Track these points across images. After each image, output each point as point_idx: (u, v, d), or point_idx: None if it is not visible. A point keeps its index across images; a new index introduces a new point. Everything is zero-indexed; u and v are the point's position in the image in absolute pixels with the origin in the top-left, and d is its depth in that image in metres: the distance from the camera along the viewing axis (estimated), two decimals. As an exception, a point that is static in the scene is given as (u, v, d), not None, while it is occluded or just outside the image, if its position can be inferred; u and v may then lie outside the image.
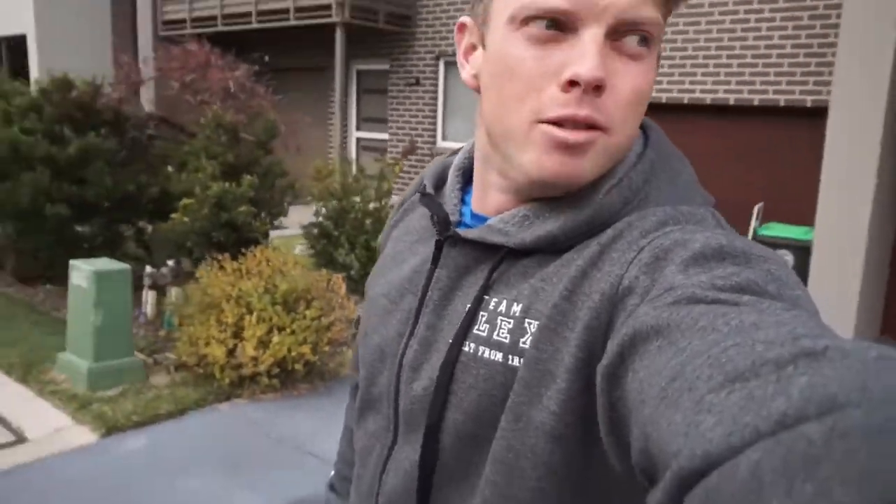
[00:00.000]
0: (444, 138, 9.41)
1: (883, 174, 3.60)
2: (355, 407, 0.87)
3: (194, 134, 6.49)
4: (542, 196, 0.69)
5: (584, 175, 0.65)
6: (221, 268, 4.62)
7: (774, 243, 4.82)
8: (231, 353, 4.26)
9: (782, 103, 6.52)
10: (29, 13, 12.85)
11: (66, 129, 5.76)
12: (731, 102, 6.85)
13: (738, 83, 6.81)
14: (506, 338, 0.65)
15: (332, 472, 1.09)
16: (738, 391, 0.37)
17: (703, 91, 7.04)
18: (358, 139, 10.44)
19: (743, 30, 6.75)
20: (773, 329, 0.42)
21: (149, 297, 5.40)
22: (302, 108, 9.05)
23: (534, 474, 0.62)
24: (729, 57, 6.85)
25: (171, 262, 5.46)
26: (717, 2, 6.90)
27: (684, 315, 0.48)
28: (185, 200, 5.10)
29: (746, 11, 6.72)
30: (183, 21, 10.79)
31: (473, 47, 0.73)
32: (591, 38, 0.61)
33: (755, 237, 4.92)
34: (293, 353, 4.24)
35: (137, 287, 5.12)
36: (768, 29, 6.58)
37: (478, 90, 0.72)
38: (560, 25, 0.62)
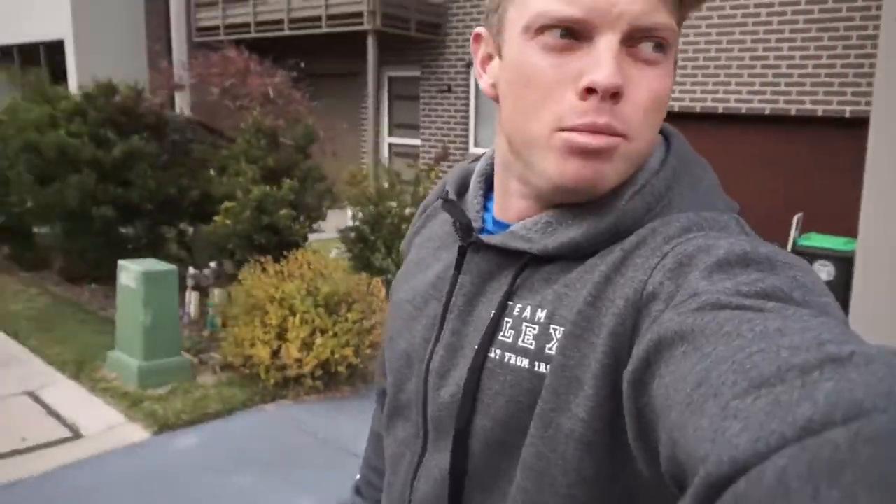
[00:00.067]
0: (476, 144, 9.49)
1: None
2: (384, 413, 0.88)
3: (231, 139, 6.63)
4: (565, 202, 0.69)
5: (606, 181, 0.65)
6: (264, 270, 4.72)
7: (814, 254, 4.83)
8: (275, 354, 4.35)
9: (820, 113, 6.52)
10: (66, 19, 13.12)
11: (110, 132, 5.90)
12: (767, 112, 6.86)
13: (773, 93, 6.82)
14: (531, 344, 0.66)
15: (358, 476, 1.10)
16: (764, 397, 0.37)
17: (737, 100, 7.05)
18: (390, 145, 10.54)
19: (777, 40, 6.76)
20: (799, 335, 0.42)
21: (192, 297, 5.51)
22: (334, 113, 9.15)
23: (564, 481, 0.62)
24: (764, 67, 6.86)
25: (213, 264, 5.58)
26: (750, 13, 6.91)
27: (709, 321, 0.48)
28: (227, 203, 5.21)
29: (780, 22, 6.73)
30: (216, 28, 10.96)
31: (490, 57, 0.73)
32: (606, 45, 0.61)
33: (794, 248, 4.93)
34: (336, 356, 4.32)
35: (180, 288, 5.24)
36: (803, 40, 6.59)
37: (496, 99, 0.73)
38: (575, 34, 0.62)
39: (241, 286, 4.66)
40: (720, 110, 7.18)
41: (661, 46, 0.64)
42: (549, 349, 0.64)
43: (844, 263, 4.54)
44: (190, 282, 5.50)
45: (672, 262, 0.58)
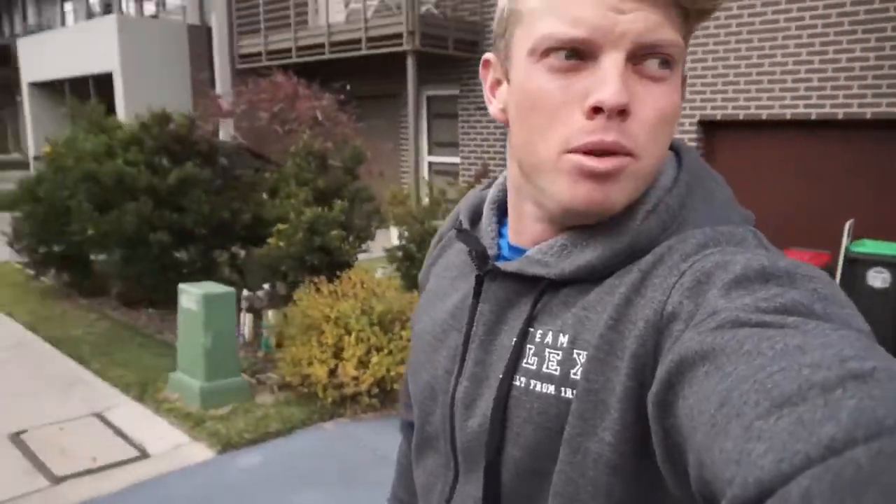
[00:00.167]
0: (515, 160, 9.52)
1: None
2: (413, 445, 0.88)
3: (276, 163, 6.77)
4: (577, 224, 0.69)
5: (616, 203, 0.65)
6: (318, 290, 4.80)
7: (868, 260, 4.74)
8: (332, 372, 4.42)
9: (868, 116, 6.42)
10: (115, 53, 13.57)
11: (165, 160, 6.09)
12: (814, 117, 6.77)
13: (819, 97, 6.73)
14: (556, 370, 0.65)
15: None
16: (787, 416, 0.37)
17: (782, 106, 6.98)
18: (430, 163, 10.63)
19: (822, 43, 6.68)
20: (819, 351, 0.42)
21: (246, 319, 5.62)
22: (374, 133, 9.30)
23: None
24: (808, 71, 6.78)
25: (266, 286, 5.69)
26: (793, 16, 6.85)
27: (729, 339, 0.48)
28: (280, 226, 5.32)
29: (825, 25, 6.65)
30: (258, 54, 11.22)
31: (499, 82, 0.74)
32: (611, 63, 0.61)
33: (847, 255, 4.84)
34: (392, 373, 4.37)
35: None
36: (849, 42, 6.51)
37: (507, 123, 0.73)
38: (580, 54, 0.63)
39: (297, 306, 4.74)
40: (764, 117, 7.11)
41: (667, 63, 0.64)
42: (574, 374, 0.64)
43: (903, 269, 4.45)
44: (244, 304, 5.62)
45: (690, 280, 0.58)
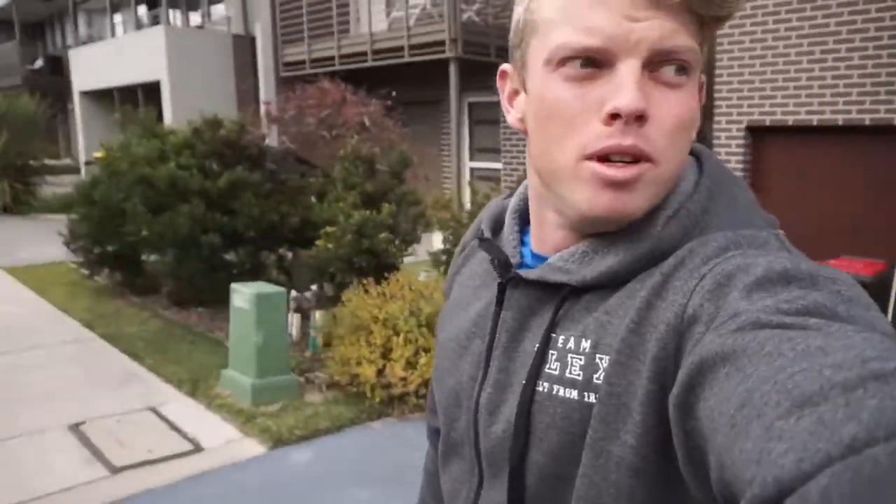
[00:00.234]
0: (557, 166, 9.53)
1: None
2: (439, 451, 0.88)
3: (319, 168, 6.88)
4: (598, 231, 0.69)
5: (636, 210, 0.66)
6: (366, 292, 4.87)
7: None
8: (380, 373, 4.47)
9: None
10: (162, 62, 13.93)
11: (215, 164, 6.23)
12: (867, 123, 6.65)
13: (872, 103, 6.61)
14: (579, 375, 0.66)
15: None
16: (808, 416, 0.37)
17: (833, 112, 6.87)
18: (471, 169, 10.69)
19: (875, 47, 6.58)
20: (841, 353, 0.42)
21: (294, 320, 5.72)
22: (417, 139, 9.38)
23: None
24: (861, 76, 6.68)
25: (314, 287, 5.78)
26: (844, 20, 6.75)
27: (749, 340, 0.47)
28: (329, 228, 5.40)
29: (878, 29, 6.55)
30: (302, 62, 11.41)
31: (516, 92, 0.74)
32: (627, 70, 0.61)
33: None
34: (439, 373, 4.41)
35: (284, 310, 5.46)
36: (903, 46, 6.39)
37: (525, 133, 0.73)
38: (596, 63, 0.63)
39: (346, 307, 4.81)
40: (815, 122, 7.00)
41: (684, 69, 0.64)
42: (597, 378, 0.64)
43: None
44: (292, 304, 5.71)
45: (711, 283, 0.58)
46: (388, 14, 10.74)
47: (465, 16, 9.18)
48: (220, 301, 6.59)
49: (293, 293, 5.74)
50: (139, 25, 16.66)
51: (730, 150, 7.51)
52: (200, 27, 16.41)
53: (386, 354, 4.50)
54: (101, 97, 18.42)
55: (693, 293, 0.59)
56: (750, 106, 7.41)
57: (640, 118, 0.62)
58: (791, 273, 0.55)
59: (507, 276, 0.76)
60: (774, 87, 7.24)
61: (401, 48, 9.65)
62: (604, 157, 0.63)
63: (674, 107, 0.64)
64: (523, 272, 0.74)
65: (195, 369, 5.18)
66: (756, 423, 0.40)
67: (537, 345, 0.70)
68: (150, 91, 14.95)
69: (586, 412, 0.64)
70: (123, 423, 4.33)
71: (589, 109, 0.63)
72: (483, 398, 0.75)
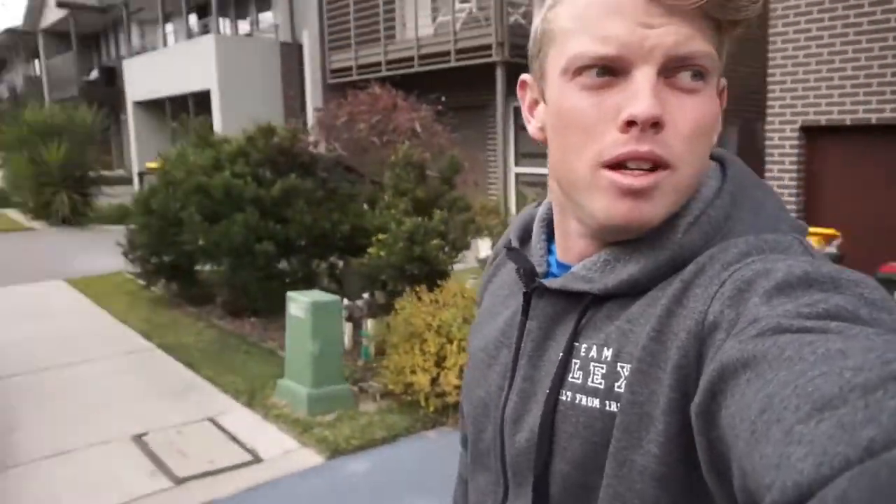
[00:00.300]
0: (605, 169, 9.42)
1: None
2: (468, 461, 0.89)
3: (366, 176, 6.92)
4: (618, 239, 0.69)
5: (654, 217, 0.65)
6: (419, 299, 4.87)
7: None
8: (434, 381, 4.46)
9: None
10: (213, 71, 14.21)
11: (269, 171, 6.31)
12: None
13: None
14: (600, 383, 0.65)
15: None
16: (828, 420, 0.37)
17: (893, 110, 6.62)
18: (517, 174, 10.64)
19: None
20: (862, 355, 0.41)
21: (346, 328, 5.75)
22: (463, 144, 9.38)
23: None
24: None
25: (365, 296, 5.80)
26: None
27: (770, 345, 0.47)
28: (381, 236, 5.42)
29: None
30: (349, 68, 11.51)
31: (536, 102, 0.75)
32: (643, 77, 0.62)
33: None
34: (494, 383, 4.38)
35: (337, 319, 5.49)
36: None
37: (545, 142, 0.74)
38: (612, 71, 0.63)
39: (399, 315, 4.82)
40: (873, 121, 6.76)
41: (701, 74, 0.64)
42: (618, 387, 0.64)
43: None
44: (344, 313, 5.74)
45: (731, 289, 0.57)
46: (433, 19, 10.76)
47: (511, 19, 9.13)
48: (274, 310, 6.67)
49: (345, 301, 5.77)
50: (190, 35, 17.01)
51: (783, 151, 7.31)
52: (249, 35, 16.69)
53: (440, 363, 4.48)
54: (153, 107, 18.89)
55: (713, 300, 0.58)
56: (805, 105, 7.20)
57: (656, 125, 0.62)
58: (812, 277, 0.54)
59: (532, 286, 0.76)
60: (830, 85, 7.02)
61: (447, 53, 9.66)
62: (621, 165, 0.64)
63: (690, 112, 0.63)
64: (547, 282, 0.74)
65: (251, 379, 5.25)
66: (776, 427, 0.40)
67: (561, 354, 0.70)
68: (201, 100, 15.26)
69: (608, 421, 0.64)
70: (184, 434, 4.41)
71: (606, 118, 0.64)
72: (509, 408, 0.75)
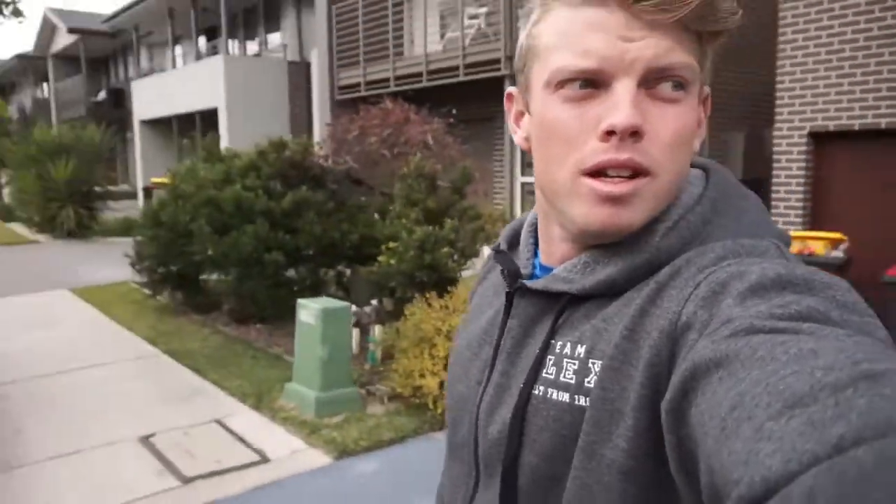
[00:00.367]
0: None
1: None
2: (445, 455, 0.91)
3: (374, 189, 6.95)
4: (598, 243, 0.71)
5: (633, 223, 0.67)
6: (429, 305, 4.86)
7: None
8: (443, 384, 4.44)
9: None
10: (221, 90, 14.35)
11: (279, 184, 6.34)
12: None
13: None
14: (571, 378, 0.67)
15: None
16: (798, 417, 0.37)
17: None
18: (522, 184, 10.67)
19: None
20: (833, 355, 0.41)
21: (353, 334, 5.73)
22: (471, 155, 9.43)
23: None
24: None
25: (374, 302, 5.79)
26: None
27: (742, 345, 0.47)
28: (391, 244, 5.42)
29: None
30: (357, 85, 11.60)
31: (521, 114, 0.78)
32: (623, 89, 0.63)
33: None
34: (503, 386, 4.35)
35: (345, 325, 5.47)
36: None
37: (530, 152, 0.76)
38: (594, 83, 0.65)
39: (409, 320, 4.80)
40: (883, 126, 6.78)
41: (681, 84, 0.65)
42: (588, 382, 0.65)
43: None
44: (352, 319, 5.73)
45: (705, 290, 0.58)
46: (442, 35, 10.86)
47: (520, 33, 9.21)
48: (280, 317, 6.67)
49: (353, 308, 5.76)
50: (199, 56, 17.20)
51: (791, 157, 7.32)
52: (258, 55, 16.87)
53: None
54: (159, 125, 19.06)
55: (688, 301, 0.59)
56: (813, 111, 7.22)
57: (635, 133, 0.63)
58: (785, 279, 0.55)
59: (515, 286, 0.78)
60: (839, 90, 7.04)
61: (456, 67, 9.73)
62: (601, 173, 0.65)
63: (671, 121, 0.65)
64: (529, 282, 0.76)
65: (258, 383, 5.22)
66: (746, 424, 0.40)
67: (537, 350, 0.72)
68: (207, 118, 15.38)
69: (577, 415, 0.65)
70: (191, 436, 4.37)
71: (587, 128, 0.65)
72: (484, 401, 0.77)
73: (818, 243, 6.06)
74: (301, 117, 14.70)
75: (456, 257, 5.77)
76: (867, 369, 0.38)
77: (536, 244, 0.84)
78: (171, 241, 6.85)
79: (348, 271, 6.78)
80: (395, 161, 6.34)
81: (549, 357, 0.70)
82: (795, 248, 6.19)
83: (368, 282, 6.00)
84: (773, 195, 7.36)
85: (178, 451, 4.13)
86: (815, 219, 7.13)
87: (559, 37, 0.67)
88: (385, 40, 11.13)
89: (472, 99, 10.41)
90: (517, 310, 0.77)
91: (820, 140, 7.30)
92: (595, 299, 0.70)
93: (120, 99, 23.55)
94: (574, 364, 0.67)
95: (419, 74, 10.37)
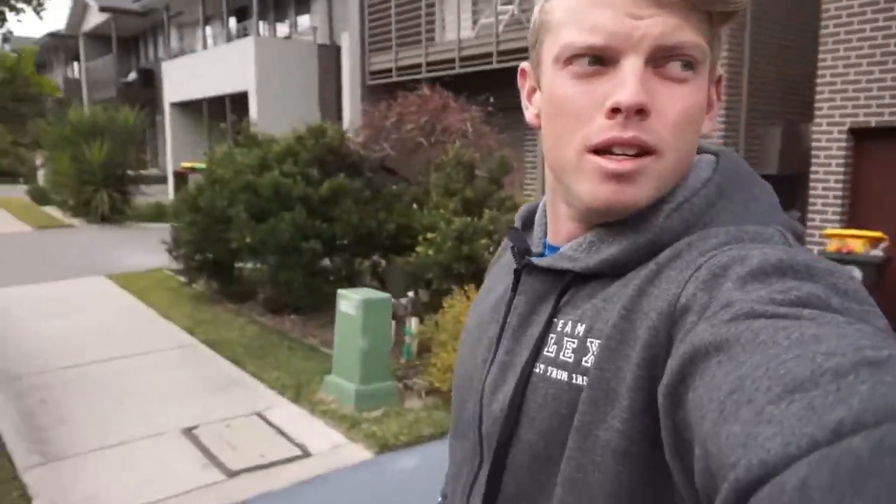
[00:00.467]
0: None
1: None
2: (449, 434, 0.91)
3: (407, 180, 6.92)
4: (603, 221, 0.71)
5: (638, 201, 0.67)
6: (468, 298, 4.84)
7: None
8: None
9: None
10: (251, 73, 14.36)
11: (317, 171, 6.34)
12: None
13: None
14: (570, 357, 0.67)
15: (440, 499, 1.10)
16: (798, 402, 0.37)
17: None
18: (555, 175, 10.65)
19: None
20: (835, 340, 0.41)
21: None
22: (507, 145, 9.37)
23: (601, 492, 0.62)
24: None
25: (410, 294, 5.79)
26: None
27: (743, 330, 0.47)
28: (429, 235, 5.40)
29: None
30: (389, 70, 11.54)
31: (533, 90, 0.78)
32: (630, 66, 0.63)
33: None
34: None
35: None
36: None
37: (540, 128, 0.76)
38: (602, 60, 0.65)
39: (448, 313, 4.79)
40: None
41: (690, 64, 0.65)
42: (586, 362, 0.65)
43: None
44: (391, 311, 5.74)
45: (706, 273, 0.58)
46: (474, 22, 10.75)
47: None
48: (315, 307, 6.70)
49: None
50: (229, 38, 17.22)
51: (830, 153, 7.17)
52: (287, 38, 16.84)
53: (489, 363, 4.45)
54: (189, 107, 19.14)
55: (687, 283, 0.59)
56: (854, 107, 7.05)
57: (641, 112, 0.63)
58: (786, 264, 0.55)
59: (522, 263, 0.78)
60: (882, 86, 6.86)
61: (489, 54, 9.64)
62: (607, 150, 0.65)
63: (679, 101, 0.65)
64: (536, 260, 0.77)
65: (296, 375, 5.26)
66: (746, 408, 0.40)
67: (540, 328, 0.72)
68: (237, 101, 15.42)
69: (575, 394, 0.65)
70: (233, 428, 4.42)
71: (594, 105, 0.66)
72: (488, 379, 0.77)
73: (857, 241, 5.94)
74: (330, 101, 14.67)
75: (493, 249, 5.75)
76: (869, 356, 0.38)
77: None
78: (208, 228, 6.89)
79: (383, 262, 6.78)
80: (432, 149, 6.30)
81: (552, 335, 0.71)
82: (834, 245, 6.08)
83: (404, 272, 5.99)
84: (811, 192, 7.22)
85: (221, 444, 4.18)
86: (854, 217, 6.98)
87: (569, 13, 0.67)
88: (417, 25, 11.04)
89: (506, 87, 10.32)
90: (524, 286, 0.78)
91: (860, 136, 7.13)
92: (599, 279, 0.70)
93: (150, 79, 23.70)
94: (573, 343, 0.68)
95: (451, 61, 10.29)
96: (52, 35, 31.43)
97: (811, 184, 7.24)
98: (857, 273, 5.47)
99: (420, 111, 6.41)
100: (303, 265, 6.23)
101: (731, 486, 0.36)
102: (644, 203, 0.68)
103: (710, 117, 0.72)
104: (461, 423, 0.85)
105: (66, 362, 5.66)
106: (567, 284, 0.72)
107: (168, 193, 17.54)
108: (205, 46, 18.58)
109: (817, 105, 7.23)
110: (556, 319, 0.72)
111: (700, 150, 0.75)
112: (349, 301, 4.67)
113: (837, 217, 7.02)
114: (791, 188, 8.12)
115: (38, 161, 20.20)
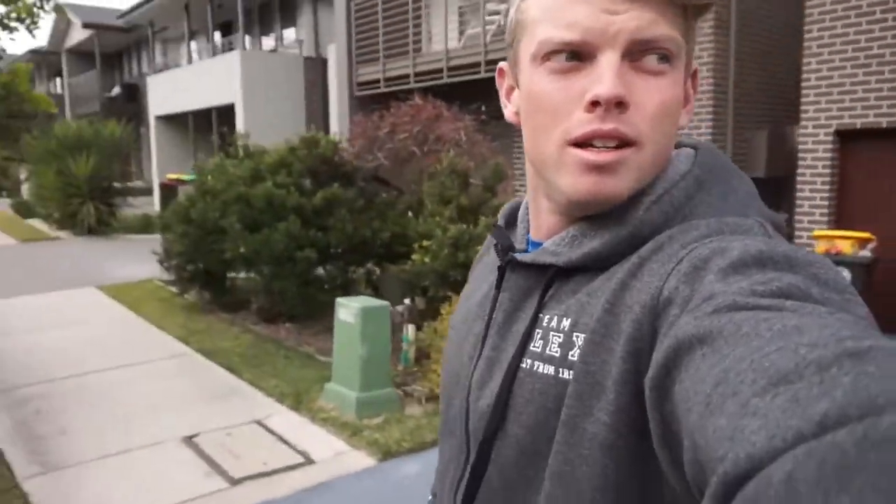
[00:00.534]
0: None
1: None
2: (439, 431, 0.92)
3: (398, 188, 6.95)
4: (585, 214, 0.72)
5: (619, 192, 0.68)
6: (465, 305, 4.87)
7: None
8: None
9: None
10: (237, 86, 14.37)
11: (310, 182, 6.35)
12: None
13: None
14: (556, 352, 0.68)
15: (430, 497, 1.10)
16: (783, 394, 0.37)
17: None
18: (545, 183, 10.71)
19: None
20: (817, 331, 0.42)
21: (387, 334, 5.75)
22: (500, 153, 9.41)
23: (588, 485, 0.62)
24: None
25: (406, 301, 5.80)
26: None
27: (726, 322, 0.48)
28: (425, 242, 5.43)
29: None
30: (376, 81, 11.58)
31: (511, 88, 0.79)
32: (607, 61, 0.64)
33: None
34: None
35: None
36: None
37: (520, 125, 0.77)
38: (579, 56, 0.66)
39: (446, 320, 4.81)
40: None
41: (666, 57, 0.66)
42: (572, 356, 0.66)
43: None
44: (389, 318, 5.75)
45: (687, 266, 0.59)
46: (461, 32, 10.82)
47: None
48: (310, 316, 6.69)
49: (386, 307, 5.78)
50: (214, 51, 17.21)
51: (816, 156, 7.29)
52: (273, 51, 16.86)
53: (489, 368, 4.47)
54: (175, 120, 19.09)
55: (669, 276, 0.59)
56: (840, 109, 7.18)
57: (619, 104, 0.64)
58: (766, 255, 0.55)
59: (506, 260, 0.79)
60: (867, 88, 7.00)
61: (477, 64, 9.70)
62: (587, 143, 0.66)
63: (656, 93, 0.66)
64: (519, 256, 0.77)
65: (294, 382, 5.25)
66: (731, 400, 0.40)
67: (526, 324, 0.73)
68: (223, 113, 15.40)
69: (562, 388, 0.65)
70: (234, 436, 4.41)
71: (572, 99, 0.66)
72: (475, 375, 0.78)
73: (845, 242, 6.04)
74: (317, 113, 14.70)
75: (487, 256, 5.78)
76: (851, 347, 0.39)
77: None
78: (200, 239, 6.88)
79: (377, 270, 6.80)
80: (425, 159, 6.34)
81: (538, 330, 0.71)
82: (822, 247, 6.17)
83: (399, 280, 6.01)
84: (798, 193, 7.33)
85: (222, 452, 4.16)
86: (841, 218, 7.09)
87: (545, 10, 0.68)
88: (405, 36, 11.10)
89: (496, 95, 10.37)
90: (508, 283, 0.78)
91: (846, 138, 7.26)
92: (582, 273, 0.71)
93: (134, 94, 23.60)
94: (559, 337, 0.68)
95: (439, 71, 10.34)
96: (34, 52, 31.23)
97: (798, 186, 7.35)
98: (847, 274, 5.56)
99: (413, 121, 6.45)
100: (297, 274, 6.24)
101: (720, 479, 0.36)
102: (625, 194, 0.69)
103: (688, 111, 0.74)
104: (448, 421, 0.85)
105: (63, 373, 5.62)
106: (551, 279, 0.73)
107: (154, 205, 17.46)
108: (190, 61, 18.56)
109: (803, 108, 7.35)
110: (541, 315, 0.72)
111: (678, 145, 0.76)
112: (348, 309, 4.68)
113: (825, 218, 7.13)
114: (778, 190, 8.24)
115: (22, 175, 20.03)
